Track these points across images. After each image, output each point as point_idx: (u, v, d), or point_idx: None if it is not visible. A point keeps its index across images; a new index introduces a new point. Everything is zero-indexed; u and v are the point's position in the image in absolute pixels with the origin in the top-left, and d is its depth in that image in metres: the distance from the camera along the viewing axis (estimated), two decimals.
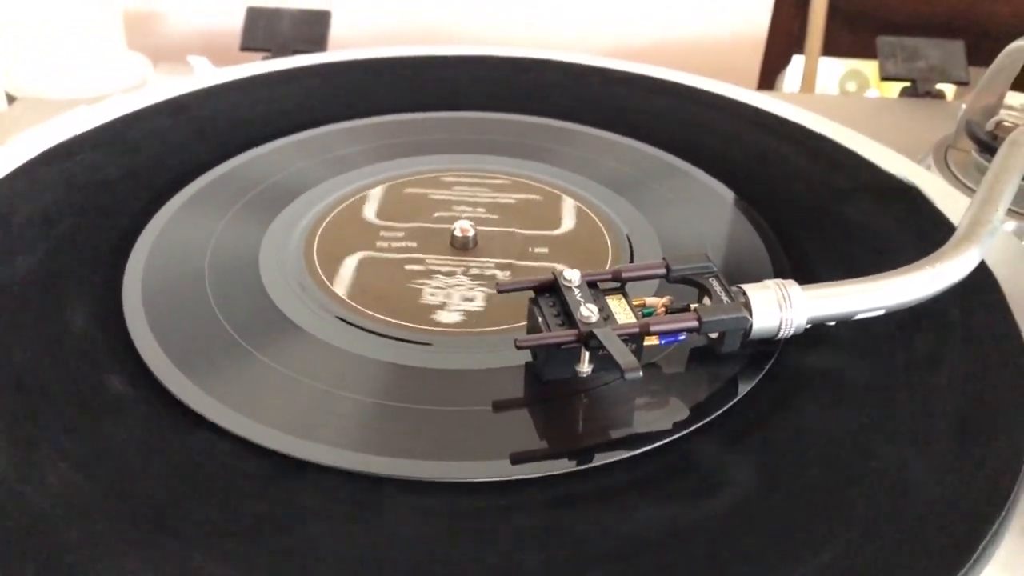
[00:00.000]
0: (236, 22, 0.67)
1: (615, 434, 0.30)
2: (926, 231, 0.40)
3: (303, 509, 0.27)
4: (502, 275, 0.38)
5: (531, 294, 0.32)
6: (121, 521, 0.26)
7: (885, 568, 0.25)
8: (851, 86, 0.95)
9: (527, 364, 0.32)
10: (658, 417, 0.30)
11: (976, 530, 0.26)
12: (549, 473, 0.28)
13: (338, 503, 0.27)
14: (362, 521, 0.26)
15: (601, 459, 0.29)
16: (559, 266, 0.35)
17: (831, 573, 0.25)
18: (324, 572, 0.25)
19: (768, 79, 0.94)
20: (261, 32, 0.66)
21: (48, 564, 0.25)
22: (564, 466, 0.28)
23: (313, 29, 0.66)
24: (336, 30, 0.68)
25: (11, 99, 0.63)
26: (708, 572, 0.25)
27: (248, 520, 0.26)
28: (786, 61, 0.93)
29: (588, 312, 0.30)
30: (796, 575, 0.25)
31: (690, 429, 0.30)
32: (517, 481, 0.28)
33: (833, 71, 0.94)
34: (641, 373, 0.28)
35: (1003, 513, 0.27)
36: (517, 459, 0.28)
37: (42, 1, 0.70)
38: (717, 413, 0.30)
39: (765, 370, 0.32)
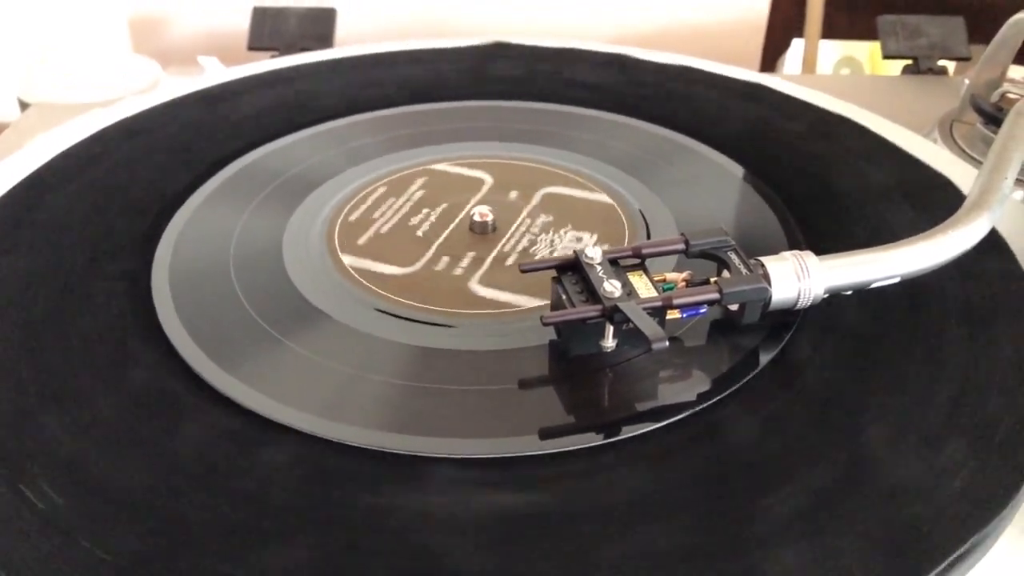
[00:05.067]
0: (242, 22, 0.68)
1: (641, 407, 0.30)
2: (933, 203, 0.41)
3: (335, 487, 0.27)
4: (522, 257, 0.38)
5: (553, 273, 0.33)
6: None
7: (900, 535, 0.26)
8: (845, 72, 0.95)
9: (551, 343, 0.33)
10: (682, 389, 0.31)
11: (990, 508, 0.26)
12: (578, 447, 0.29)
13: (374, 480, 0.28)
14: (394, 495, 0.27)
15: (628, 431, 0.29)
16: (579, 246, 0.36)
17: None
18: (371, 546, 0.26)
19: (769, 63, 0.95)
20: (268, 31, 0.67)
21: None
22: (592, 439, 0.29)
23: (319, 27, 0.67)
24: (342, 28, 0.68)
25: (24, 106, 0.63)
26: (728, 540, 0.26)
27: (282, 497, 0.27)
28: (786, 44, 0.94)
29: (612, 287, 0.31)
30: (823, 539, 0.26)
31: (714, 400, 0.30)
32: (541, 456, 0.28)
33: (827, 57, 0.94)
34: (668, 343, 0.29)
35: (1013, 497, 0.27)
36: (545, 434, 0.29)
37: (48, 10, 0.71)
38: (740, 383, 0.31)
39: (786, 340, 0.33)
